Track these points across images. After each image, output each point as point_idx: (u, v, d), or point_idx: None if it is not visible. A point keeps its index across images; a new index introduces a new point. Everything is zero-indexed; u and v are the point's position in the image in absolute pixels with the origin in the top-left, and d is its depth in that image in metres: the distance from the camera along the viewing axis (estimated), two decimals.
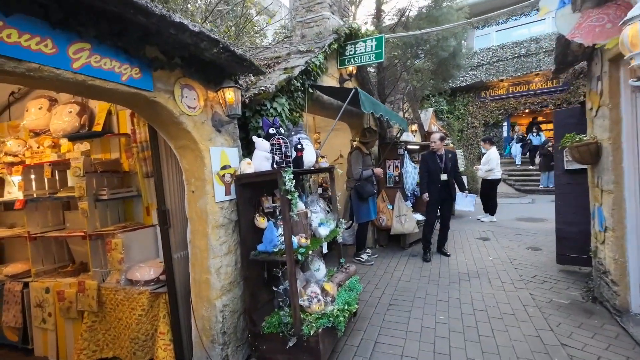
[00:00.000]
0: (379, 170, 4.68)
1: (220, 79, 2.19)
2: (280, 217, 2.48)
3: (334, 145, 6.23)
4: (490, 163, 6.97)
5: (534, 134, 13.91)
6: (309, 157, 2.69)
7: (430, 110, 10.14)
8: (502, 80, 15.10)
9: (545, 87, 14.71)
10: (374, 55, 4.18)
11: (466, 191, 4.86)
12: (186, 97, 1.98)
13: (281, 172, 2.11)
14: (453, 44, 4.91)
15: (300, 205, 2.70)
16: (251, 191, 2.42)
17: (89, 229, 2.49)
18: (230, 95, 2.13)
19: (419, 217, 5.65)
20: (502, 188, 12.48)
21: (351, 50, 4.33)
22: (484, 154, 7.39)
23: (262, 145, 2.32)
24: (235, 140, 2.43)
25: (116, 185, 2.70)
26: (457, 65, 5.40)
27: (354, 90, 3.13)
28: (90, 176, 2.50)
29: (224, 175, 2.26)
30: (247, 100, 2.53)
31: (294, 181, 2.17)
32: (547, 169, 10.93)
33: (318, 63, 3.40)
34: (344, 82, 4.52)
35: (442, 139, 4.71)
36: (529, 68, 14.24)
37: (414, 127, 7.55)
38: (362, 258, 4.74)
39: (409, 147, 5.41)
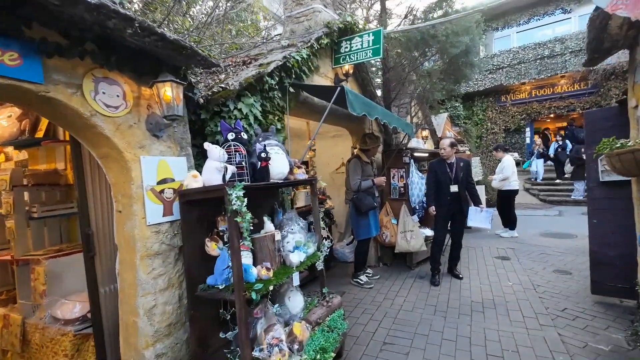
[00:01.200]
0: (380, 180, 4.15)
1: (159, 72, 1.78)
2: (243, 240, 2.03)
3: (335, 153, 5.75)
4: (505, 172, 6.27)
5: (559, 143, 12.20)
6: (279, 168, 2.22)
7: (445, 115, 9.51)
8: (524, 84, 14.23)
9: (572, 89, 13.71)
10: (371, 51, 3.69)
11: (482, 205, 4.24)
12: (103, 93, 1.57)
13: (226, 188, 1.65)
14: (465, 40, 4.36)
15: (268, 226, 2.23)
16: (202, 210, 1.98)
17: (16, 252, 2.12)
18: (166, 91, 1.71)
19: (428, 232, 5.06)
20: (525, 198, 11.54)
21: (346, 47, 3.87)
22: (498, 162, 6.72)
23: (214, 154, 1.88)
24: (184, 147, 2.01)
25: (58, 201, 2.33)
26: (470, 64, 4.84)
27: (339, 88, 2.66)
28: (20, 190, 2.13)
29: (162, 191, 1.83)
30: (202, 100, 2.11)
31: (245, 199, 1.70)
32: (582, 178, 9.95)
33: (300, 58, 2.94)
34: (340, 83, 4.05)
35: (452, 145, 4.14)
36: (553, 70, 13.32)
37: (425, 133, 6.97)
38: (361, 280, 4.19)
39: (416, 154, 4.85)
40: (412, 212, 4.76)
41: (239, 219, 1.68)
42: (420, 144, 6.44)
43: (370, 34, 3.66)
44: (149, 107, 1.78)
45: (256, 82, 2.46)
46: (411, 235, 4.58)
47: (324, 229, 4.10)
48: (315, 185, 2.64)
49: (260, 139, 2.26)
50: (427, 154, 5.13)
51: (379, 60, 5.88)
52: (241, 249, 1.84)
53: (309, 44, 3.13)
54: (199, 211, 1.95)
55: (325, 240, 4.06)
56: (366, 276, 4.32)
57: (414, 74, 5.73)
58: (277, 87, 2.75)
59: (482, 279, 4.22)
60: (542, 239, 6.10)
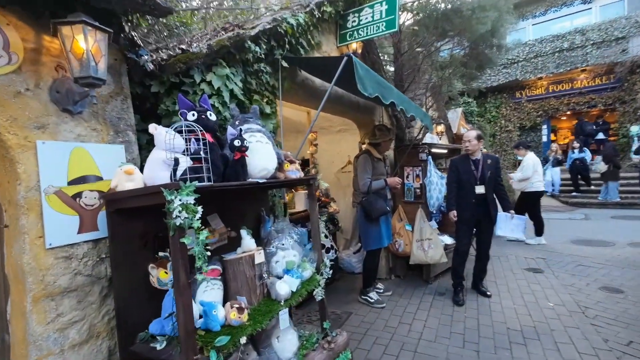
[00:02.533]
0: (394, 181, 3.51)
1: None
2: (212, 263, 1.41)
3: (341, 150, 5.11)
4: (526, 171, 5.53)
5: (576, 150, 10.05)
6: (262, 162, 1.60)
7: (459, 110, 8.82)
8: (540, 78, 13.44)
9: (593, 84, 12.88)
10: (384, 24, 3.06)
11: (512, 211, 3.56)
12: None
13: (164, 191, 1.03)
14: (493, 15, 3.70)
15: (247, 243, 1.61)
16: (144, 223, 1.37)
17: None
18: (78, 40, 1.10)
19: (448, 240, 4.41)
20: (544, 200, 10.72)
21: (354, 21, 3.23)
22: (520, 161, 5.99)
23: (160, 140, 1.26)
24: (122, 132, 1.41)
25: None
26: (498, 46, 4.18)
27: (345, 58, 2.02)
28: None
29: (78, 196, 1.23)
30: (151, 66, 1.50)
31: (198, 209, 1.08)
32: (614, 179, 9.11)
33: (295, 23, 2.31)
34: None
35: (479, 138, 3.48)
36: (573, 63, 12.53)
37: (440, 127, 6.30)
38: (371, 298, 3.54)
39: (433, 151, 4.20)
40: (430, 217, 4.11)
41: (187, 240, 1.06)
42: (436, 140, 5.78)
43: (384, 3, 3.02)
44: (58, 68, 1.19)
45: (235, 48, 1.84)
46: (429, 244, 3.92)
47: (326, 237, 3.47)
48: (314, 186, 2.01)
49: (237, 122, 1.64)
50: (445, 150, 4.48)
51: (390, 44, 5.24)
52: (206, 276, 1.22)
53: (308, 9, 2.50)
54: (140, 224, 1.34)
55: (329, 252, 3.42)
56: (376, 293, 3.68)
57: (430, 61, 5.07)
58: (265, 58, 2.13)
59: (514, 298, 3.55)
60: (574, 248, 5.39)
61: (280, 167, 1.76)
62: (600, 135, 12.02)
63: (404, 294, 3.82)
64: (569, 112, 13.68)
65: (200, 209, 1.09)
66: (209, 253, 1.10)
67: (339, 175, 5.24)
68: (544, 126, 14.08)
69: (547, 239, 5.98)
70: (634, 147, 11.41)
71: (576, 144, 9.97)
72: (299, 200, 3.68)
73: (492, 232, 3.60)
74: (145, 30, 1.83)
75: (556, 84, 13.60)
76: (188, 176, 1.16)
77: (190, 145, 1.27)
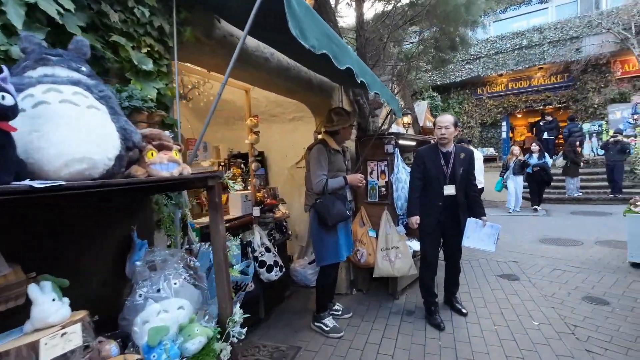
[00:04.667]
0: (355, 178, 2.81)
1: None
2: None
3: (295, 141, 4.35)
4: None
5: (535, 155, 7.95)
6: (71, 144, 0.77)
7: (425, 103, 8.44)
8: (501, 75, 13.57)
9: (549, 82, 13.23)
10: None
11: (484, 217, 2.97)
12: None
13: None
14: None
15: (38, 314, 0.77)
16: None
17: None
18: None
19: (417, 246, 3.79)
20: (503, 196, 10.67)
21: None
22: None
23: None
24: None
25: None
26: (472, 22, 3.64)
27: None
28: None
29: None
30: None
31: None
32: (576, 175, 9.15)
33: None
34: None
35: (456, 124, 2.87)
36: (531, 61, 12.73)
37: (407, 119, 5.73)
38: (325, 325, 2.82)
39: (401, 142, 3.57)
40: (397, 221, 3.48)
41: None
42: (402, 132, 5.20)
43: None
44: None
45: None
46: (396, 253, 3.29)
47: (268, 251, 2.69)
48: (215, 190, 1.21)
49: (24, 64, 0.80)
50: (414, 143, 3.87)
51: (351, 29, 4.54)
52: None
53: None
54: None
55: (271, 270, 2.65)
56: (333, 317, 2.97)
57: (396, 41, 4.44)
58: None
59: (494, 315, 3.02)
60: (544, 248, 5.08)
61: (138, 158, 0.95)
62: (545, 135, 12.00)
63: (366, 315, 3.15)
64: (525, 110, 13.99)
65: None
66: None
67: (293, 172, 4.48)
68: (504, 123, 14.30)
69: (515, 238, 5.69)
70: (593, 144, 11.80)
71: (535, 147, 8.02)
72: (235, 203, 2.85)
73: (461, 241, 3.01)
74: None
75: (515, 81, 13.83)
76: None
77: None
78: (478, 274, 4.08)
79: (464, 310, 3.07)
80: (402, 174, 3.29)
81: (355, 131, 3.95)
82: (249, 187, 3.38)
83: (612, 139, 8.89)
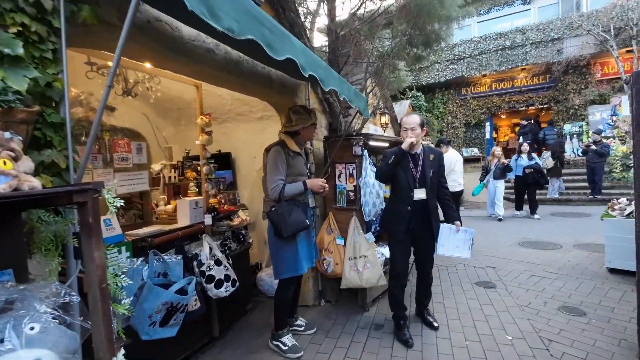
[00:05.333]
0: (316, 184, 2.56)
1: None
2: None
3: (265, 142, 4.03)
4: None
5: (524, 156, 7.19)
6: None
7: (407, 102, 8.28)
8: (484, 76, 13.58)
9: (531, 83, 13.31)
10: None
11: (458, 222, 2.77)
12: None
13: None
14: None
15: None
16: None
17: None
18: None
19: (388, 252, 3.59)
20: (483, 197, 10.54)
21: None
22: None
23: None
24: None
25: None
26: (445, 17, 3.45)
27: None
28: None
29: None
30: None
31: None
32: (559, 175, 9.16)
33: None
34: None
35: (423, 125, 2.67)
36: (514, 62, 12.77)
37: (385, 119, 5.53)
38: (284, 344, 2.57)
39: (371, 144, 3.35)
40: (367, 228, 3.26)
41: None
42: (380, 132, 4.99)
43: None
44: None
45: None
46: (364, 263, 3.07)
47: (218, 264, 2.44)
48: (88, 208, 0.95)
49: None
50: (387, 144, 3.66)
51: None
52: None
53: None
54: None
55: (220, 286, 2.39)
56: (294, 334, 2.73)
57: (370, 40, 4.23)
58: None
59: (466, 329, 2.83)
60: (522, 252, 4.96)
61: None
62: (520, 139, 11.68)
63: (332, 330, 2.92)
64: (509, 110, 14.05)
65: None
66: None
67: (262, 174, 4.23)
68: (487, 123, 14.34)
69: (494, 241, 5.56)
70: (573, 145, 11.87)
71: (525, 147, 7.21)
72: (183, 211, 2.58)
73: (433, 248, 2.82)
74: None
75: (498, 82, 13.87)
76: None
77: None
78: (454, 281, 3.90)
79: (435, 324, 2.87)
80: (370, 177, 3.07)
81: (324, 131, 3.73)
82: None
83: (591, 142, 8.89)
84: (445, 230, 2.74)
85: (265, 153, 2.58)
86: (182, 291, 1.99)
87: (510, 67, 12.84)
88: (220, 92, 3.90)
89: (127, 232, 2.15)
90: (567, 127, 12.28)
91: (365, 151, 3.16)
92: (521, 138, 11.84)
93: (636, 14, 10.18)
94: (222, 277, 2.42)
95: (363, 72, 4.68)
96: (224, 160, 4.36)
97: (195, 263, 2.33)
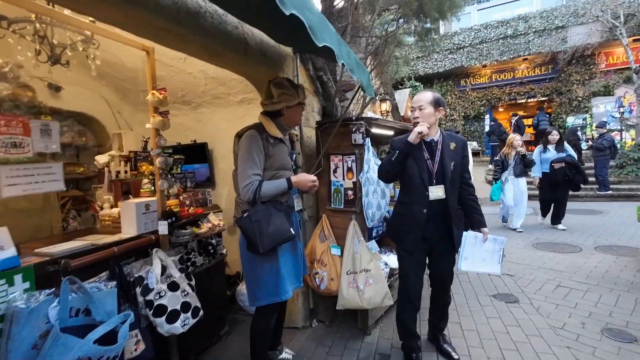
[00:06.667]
0: (303, 181, 1.92)
1: None
2: None
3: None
4: None
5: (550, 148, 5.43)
6: None
7: (407, 91, 7.68)
8: (485, 66, 13.03)
9: (533, 74, 12.81)
10: None
11: (485, 229, 2.17)
12: None
13: None
14: None
15: None
16: None
17: None
18: None
19: (394, 262, 3.00)
20: (483, 191, 9.95)
21: None
22: None
23: None
24: None
25: None
26: None
27: None
28: None
29: None
30: None
31: None
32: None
33: None
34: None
35: (437, 103, 2.07)
36: (516, 51, 12.23)
37: (386, 105, 4.91)
38: None
39: (374, 131, 2.74)
40: (370, 235, 2.65)
41: None
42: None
43: None
44: None
45: None
46: (366, 278, 2.47)
47: (172, 289, 1.82)
48: None
49: None
50: (392, 132, 3.05)
51: None
52: None
53: None
54: None
55: (174, 320, 1.77)
56: None
57: (370, 11, 3.60)
58: None
59: None
60: (540, 255, 4.42)
61: None
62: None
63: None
64: (509, 102, 13.54)
65: None
66: None
67: None
68: (487, 116, 13.83)
69: (507, 243, 5.01)
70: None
71: (554, 135, 5.34)
72: (128, 217, 1.93)
73: (454, 261, 2.24)
74: None
75: (499, 72, 13.35)
76: None
77: None
78: (469, 294, 3.34)
79: (454, 355, 2.29)
80: (374, 172, 2.46)
81: (318, 117, 3.10)
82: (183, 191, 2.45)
83: (598, 136, 8.37)
84: (469, 239, 2.15)
85: (236, 139, 1.94)
86: (103, 340, 1.36)
87: (512, 56, 12.30)
88: (190, 69, 3.24)
89: (35, 251, 1.51)
90: (571, 120, 11.81)
91: (368, 139, 2.55)
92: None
93: None
94: (178, 307, 1.80)
95: (362, 52, 4.04)
96: (199, 152, 3.72)
97: (138, 290, 1.70)
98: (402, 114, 6.15)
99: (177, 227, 2.15)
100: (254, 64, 2.24)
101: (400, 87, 10.37)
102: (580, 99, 11.75)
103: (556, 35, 11.44)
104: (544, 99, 12.72)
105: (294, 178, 1.90)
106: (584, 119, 11.49)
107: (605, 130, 8.43)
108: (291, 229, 1.85)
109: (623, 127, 10.20)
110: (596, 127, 9.00)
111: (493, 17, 13.18)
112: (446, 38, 13.32)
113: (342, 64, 1.70)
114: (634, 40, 10.22)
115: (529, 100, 13.17)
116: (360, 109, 3.50)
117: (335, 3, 3.68)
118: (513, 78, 13.16)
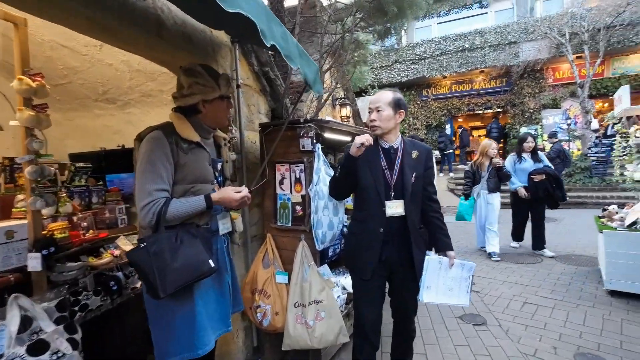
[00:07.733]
0: (228, 195, 1.47)
1: None
2: None
3: None
4: None
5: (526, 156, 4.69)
6: None
7: (369, 98, 7.43)
8: (445, 77, 13.39)
9: (489, 86, 13.35)
10: None
11: (452, 253, 1.82)
12: None
13: None
14: None
15: None
16: None
17: None
18: None
19: (350, 285, 2.61)
20: (449, 199, 10.06)
21: None
22: None
23: None
24: None
25: None
26: None
27: None
28: None
29: None
30: None
31: None
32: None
33: None
34: None
35: (398, 104, 1.75)
36: (473, 64, 12.67)
37: (346, 110, 4.61)
38: None
39: (327, 135, 2.37)
40: (323, 258, 2.25)
41: None
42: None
43: None
44: None
45: None
46: (317, 311, 2.05)
47: (37, 352, 1.28)
48: None
49: None
50: (349, 138, 2.71)
51: None
52: None
53: None
54: None
55: None
56: None
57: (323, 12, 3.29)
58: None
59: None
60: (502, 267, 4.29)
61: None
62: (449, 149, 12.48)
63: None
64: (468, 113, 13.99)
65: None
66: None
67: None
68: (448, 125, 14.19)
69: (462, 252, 4.87)
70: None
71: (529, 143, 4.59)
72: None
73: (418, 288, 1.87)
74: None
75: (458, 84, 13.77)
76: None
77: None
78: (434, 316, 3.04)
79: None
80: (326, 184, 2.07)
81: (261, 116, 2.68)
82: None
83: (552, 146, 8.70)
84: (433, 265, 1.82)
85: (136, 143, 1.47)
86: None
87: (469, 68, 12.73)
88: (110, 59, 2.70)
89: None
90: (524, 130, 12.36)
91: (318, 145, 2.16)
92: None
93: (586, 21, 10.38)
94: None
95: (317, 52, 3.70)
96: (127, 159, 3.14)
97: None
98: (364, 120, 5.92)
99: (62, 259, 1.61)
100: (169, 48, 1.77)
101: (364, 94, 10.25)
102: (531, 110, 12.38)
103: (509, 50, 12.00)
104: (499, 110, 13.28)
105: (215, 195, 1.45)
106: (535, 130, 12.07)
107: (556, 140, 8.78)
108: (210, 261, 1.39)
109: (570, 138, 10.81)
110: (547, 137, 9.40)
111: (452, 30, 13.63)
112: (408, 48, 13.57)
113: (273, 47, 1.30)
114: (577, 57, 10.92)
115: (486, 111, 13.69)
116: (316, 112, 3.14)
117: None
118: (471, 89, 13.62)
